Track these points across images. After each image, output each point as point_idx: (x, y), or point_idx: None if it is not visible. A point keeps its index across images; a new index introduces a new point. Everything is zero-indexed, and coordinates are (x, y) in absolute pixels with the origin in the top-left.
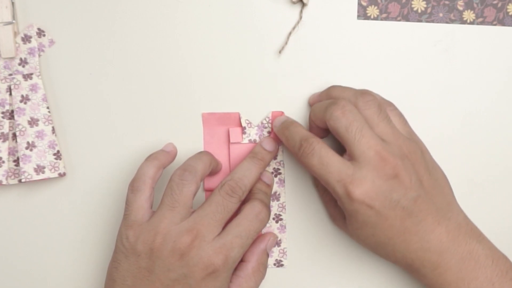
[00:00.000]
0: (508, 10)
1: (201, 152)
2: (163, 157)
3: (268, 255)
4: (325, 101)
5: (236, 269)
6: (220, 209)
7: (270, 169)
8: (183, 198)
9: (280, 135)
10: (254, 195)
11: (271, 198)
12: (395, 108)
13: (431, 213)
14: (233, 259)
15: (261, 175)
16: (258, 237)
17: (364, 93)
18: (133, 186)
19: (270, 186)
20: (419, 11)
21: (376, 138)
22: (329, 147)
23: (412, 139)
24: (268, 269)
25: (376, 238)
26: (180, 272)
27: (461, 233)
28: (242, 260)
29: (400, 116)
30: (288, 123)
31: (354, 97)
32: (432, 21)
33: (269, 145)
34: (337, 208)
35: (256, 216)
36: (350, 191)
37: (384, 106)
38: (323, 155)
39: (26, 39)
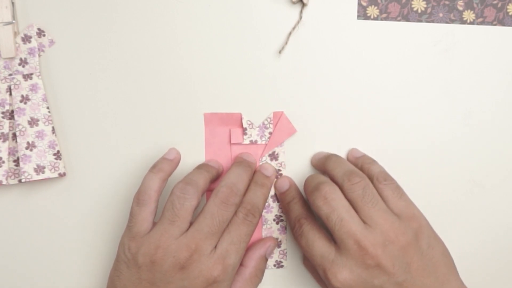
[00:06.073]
0: (508, 10)
1: (203, 165)
2: (168, 166)
3: (266, 260)
4: (314, 179)
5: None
6: (215, 222)
7: None
8: (184, 212)
9: (282, 206)
10: (245, 194)
11: (272, 199)
12: (390, 182)
13: None
14: (232, 266)
15: (257, 166)
16: (258, 242)
17: (352, 173)
18: (138, 199)
19: (270, 177)
20: (419, 11)
21: (358, 225)
22: (318, 229)
23: (408, 215)
24: (268, 270)
25: None
26: (181, 284)
27: None
28: (240, 264)
29: (394, 190)
30: (289, 197)
31: (341, 179)
32: (432, 21)
33: (250, 158)
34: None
35: (242, 222)
36: (329, 277)
37: (371, 186)
38: (310, 238)
39: (26, 39)
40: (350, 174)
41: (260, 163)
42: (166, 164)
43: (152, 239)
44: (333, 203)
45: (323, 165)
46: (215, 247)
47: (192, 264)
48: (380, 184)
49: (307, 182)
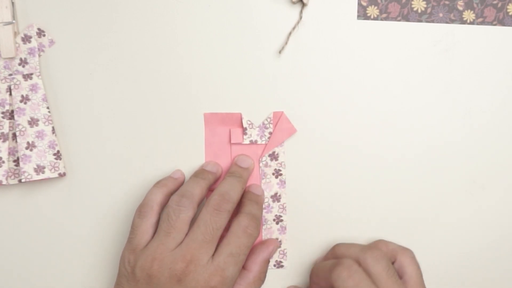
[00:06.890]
0: (508, 10)
1: (199, 173)
2: (171, 183)
3: (269, 262)
4: (329, 261)
5: (238, 276)
6: (209, 229)
7: (271, 170)
8: (179, 224)
9: None
10: (243, 208)
11: (272, 199)
12: (411, 256)
13: None
14: (231, 277)
15: (247, 188)
16: (261, 245)
17: (373, 248)
18: (140, 211)
19: (260, 196)
20: (419, 11)
21: None
22: None
23: None
24: (268, 270)
25: None
26: None
27: None
28: (244, 268)
29: (414, 263)
30: None
31: (362, 253)
32: (432, 21)
33: (244, 163)
34: None
35: (243, 231)
36: None
37: (390, 262)
38: None
39: (26, 39)
40: (371, 248)
41: (260, 163)
42: (170, 181)
43: (148, 251)
44: (357, 275)
45: (333, 255)
46: (213, 257)
47: (188, 275)
48: (393, 267)
49: (318, 269)
